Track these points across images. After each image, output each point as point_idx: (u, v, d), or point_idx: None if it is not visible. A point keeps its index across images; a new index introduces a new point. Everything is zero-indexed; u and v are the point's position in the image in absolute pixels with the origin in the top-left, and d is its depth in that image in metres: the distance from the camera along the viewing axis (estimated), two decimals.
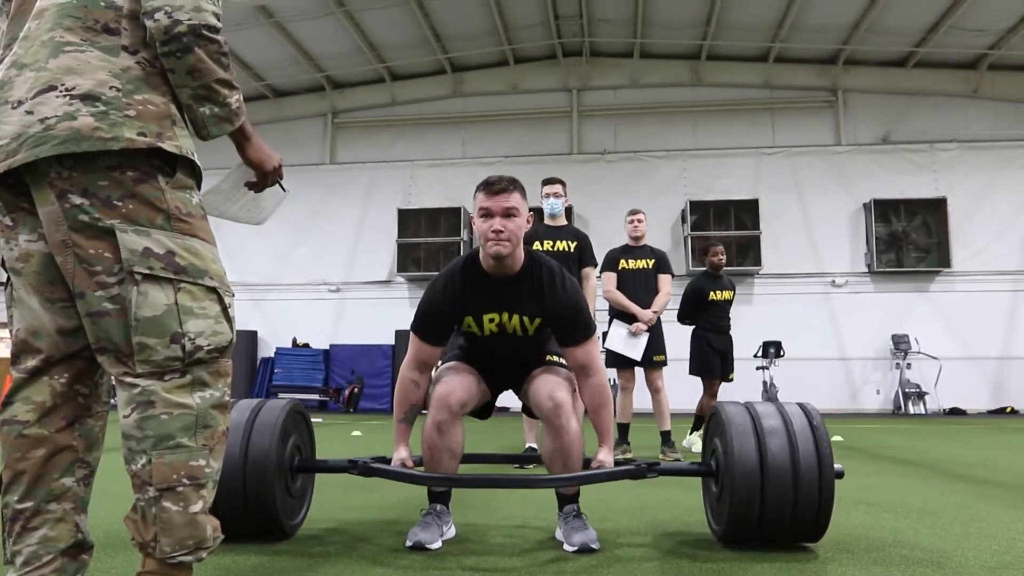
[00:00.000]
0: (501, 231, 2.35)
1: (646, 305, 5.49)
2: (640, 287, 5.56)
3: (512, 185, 2.40)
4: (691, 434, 6.12)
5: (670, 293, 5.66)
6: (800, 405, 2.43)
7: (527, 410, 2.74)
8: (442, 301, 2.50)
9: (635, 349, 5.45)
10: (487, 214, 2.38)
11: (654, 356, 5.51)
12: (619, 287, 5.58)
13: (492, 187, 2.39)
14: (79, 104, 1.44)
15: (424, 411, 2.56)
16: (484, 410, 2.76)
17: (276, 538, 2.48)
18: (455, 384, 2.50)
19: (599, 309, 5.89)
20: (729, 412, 2.41)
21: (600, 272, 5.69)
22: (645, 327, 5.44)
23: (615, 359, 5.55)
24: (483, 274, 2.47)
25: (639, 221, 5.71)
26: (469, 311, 2.50)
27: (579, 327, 2.48)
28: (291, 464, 2.54)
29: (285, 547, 2.41)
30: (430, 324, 2.53)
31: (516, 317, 2.48)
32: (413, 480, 2.42)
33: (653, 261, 5.63)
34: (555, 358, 2.63)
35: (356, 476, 2.50)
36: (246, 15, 13.22)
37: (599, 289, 5.38)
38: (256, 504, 2.35)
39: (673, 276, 5.78)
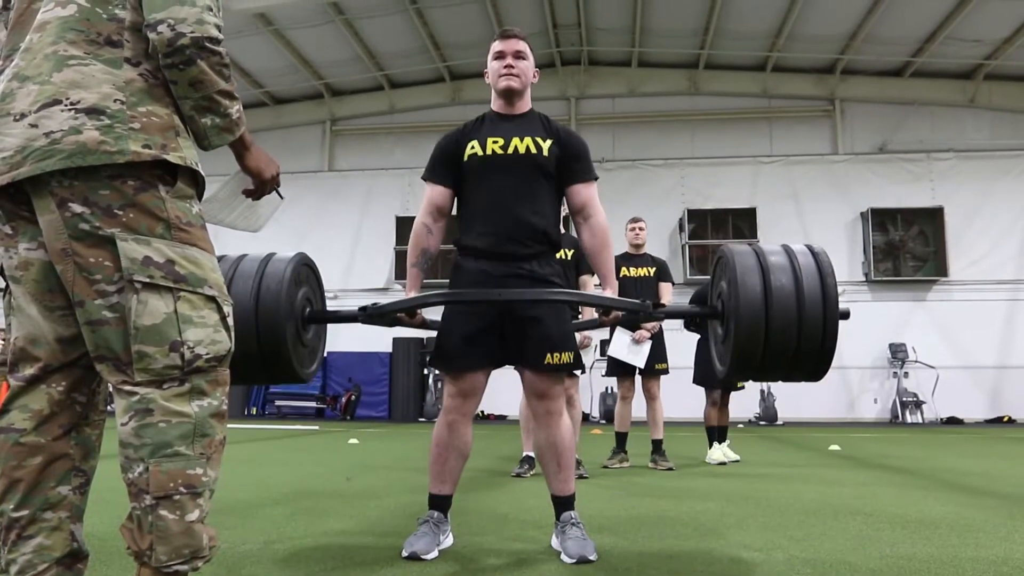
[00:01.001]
0: (512, 66, 2.57)
1: None
2: (641, 295, 5.56)
3: (523, 36, 2.64)
4: (710, 449, 6.01)
5: (672, 301, 5.66)
6: (807, 246, 2.40)
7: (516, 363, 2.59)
8: (449, 136, 2.66)
9: (638, 356, 5.45)
10: (500, 55, 2.60)
11: (656, 364, 5.51)
12: (620, 295, 5.57)
13: (505, 33, 2.63)
14: (84, 118, 1.45)
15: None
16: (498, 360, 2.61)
17: (291, 381, 2.48)
18: (467, 384, 2.50)
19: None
20: (735, 251, 2.39)
21: None
22: (648, 335, 5.44)
23: (617, 367, 5.54)
24: (493, 114, 2.65)
25: (640, 229, 5.73)
26: (474, 137, 2.59)
27: (586, 163, 2.60)
28: (302, 313, 2.54)
29: (280, 556, 2.41)
30: (437, 160, 2.64)
31: (528, 139, 2.55)
32: (420, 303, 2.43)
33: (654, 269, 5.64)
34: (555, 357, 2.47)
35: (350, 484, 2.49)
36: (246, 22, 13.25)
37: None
38: (269, 349, 2.34)
39: (674, 284, 5.78)
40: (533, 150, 2.53)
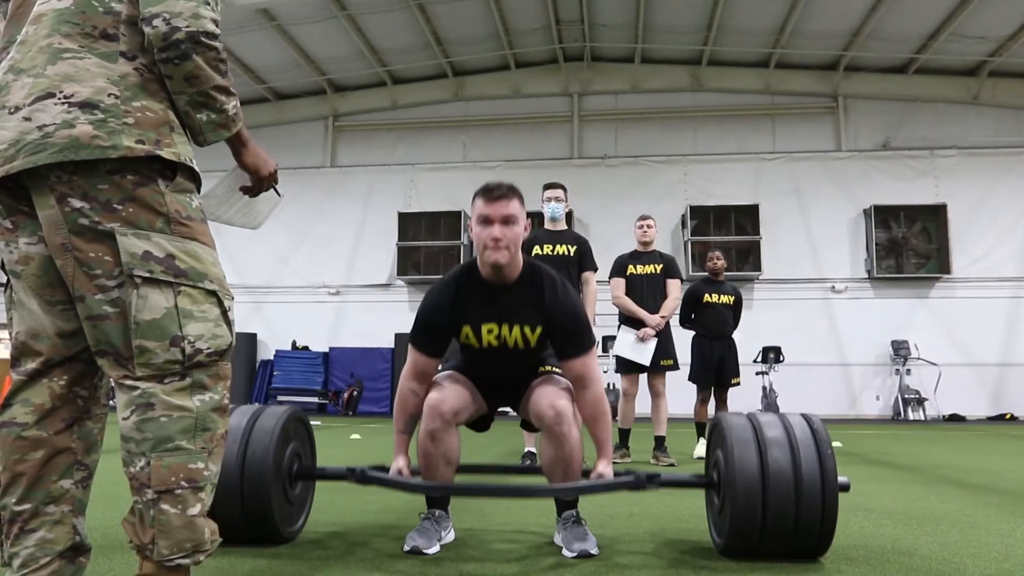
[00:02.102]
0: (500, 239, 2.33)
1: (654, 310, 5.50)
2: (648, 292, 5.57)
3: (511, 192, 2.38)
4: (698, 442, 6.09)
5: (679, 298, 5.67)
6: (803, 416, 2.38)
7: (526, 424, 2.73)
8: (439, 311, 2.47)
9: (643, 354, 5.46)
10: (486, 221, 2.35)
11: (662, 360, 5.53)
12: (627, 292, 5.59)
13: (491, 193, 2.36)
14: (77, 112, 1.44)
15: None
16: (481, 422, 2.72)
17: (275, 543, 2.47)
18: (447, 392, 2.46)
19: (604, 314, 5.92)
20: (730, 422, 2.37)
21: (609, 278, 5.71)
22: (653, 332, 5.44)
23: (624, 365, 5.55)
24: (481, 282, 2.45)
25: (648, 227, 5.74)
26: (467, 321, 2.46)
27: (578, 338, 2.45)
28: (290, 471, 2.52)
29: (283, 551, 2.41)
30: (427, 335, 2.49)
31: (516, 329, 2.45)
32: (410, 488, 2.42)
33: (662, 266, 5.65)
34: (551, 368, 2.60)
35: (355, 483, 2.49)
36: (248, 18, 13.24)
37: (600, 294, 5.38)
38: (254, 510, 2.33)
39: (683, 281, 5.79)
40: (521, 344, 2.47)
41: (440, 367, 2.63)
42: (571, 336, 2.45)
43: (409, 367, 2.51)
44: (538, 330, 2.45)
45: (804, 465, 2.20)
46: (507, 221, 2.34)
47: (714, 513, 2.51)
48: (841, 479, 2.24)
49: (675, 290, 5.62)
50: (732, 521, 2.25)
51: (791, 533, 2.21)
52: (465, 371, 2.62)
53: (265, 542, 2.44)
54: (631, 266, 5.63)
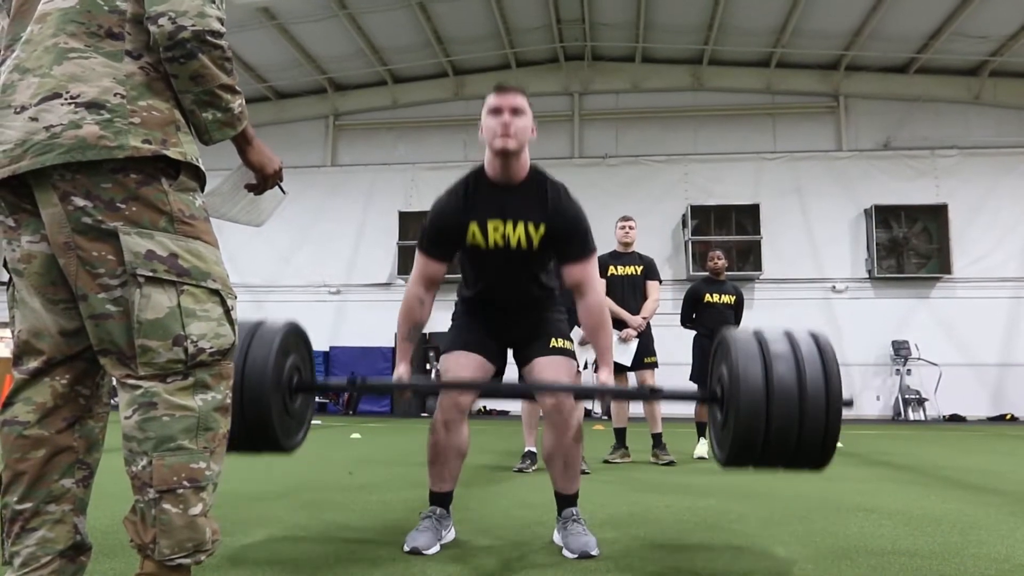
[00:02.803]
0: (509, 125, 2.39)
1: (634, 311, 5.51)
2: (628, 293, 5.58)
3: (521, 89, 2.48)
4: (698, 442, 6.09)
5: (659, 299, 5.68)
6: (810, 332, 2.34)
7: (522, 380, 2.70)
8: (447, 210, 2.51)
9: (625, 355, 5.47)
10: (496, 111, 2.42)
11: (645, 358, 5.55)
12: (608, 293, 5.59)
13: (502, 87, 2.47)
14: (84, 112, 1.44)
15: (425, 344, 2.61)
16: (494, 376, 2.72)
17: (275, 451, 2.47)
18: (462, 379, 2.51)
19: None
20: (735, 336, 2.35)
21: None
22: (635, 333, 5.46)
23: None
24: (488, 183, 2.50)
25: (630, 228, 5.75)
26: (474, 216, 2.48)
27: (581, 241, 2.49)
28: (289, 384, 2.50)
29: (282, 549, 2.41)
30: (435, 237, 2.53)
31: (520, 226, 2.46)
32: (412, 388, 2.45)
33: (641, 267, 5.66)
34: (560, 342, 2.60)
35: (352, 478, 2.49)
36: (249, 17, 13.25)
37: None
38: (254, 421, 2.30)
39: (661, 282, 5.80)
40: (524, 244, 2.47)
41: (444, 348, 2.64)
42: (573, 239, 2.49)
43: (416, 273, 2.55)
44: (541, 228, 2.46)
45: (809, 379, 2.17)
46: (516, 111, 2.41)
47: (717, 429, 2.50)
48: (845, 395, 2.21)
49: (654, 291, 5.64)
50: (735, 433, 2.23)
51: (794, 446, 2.18)
52: (469, 321, 2.62)
53: (265, 451, 2.43)
54: (612, 267, 5.64)
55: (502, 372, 2.74)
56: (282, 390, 2.43)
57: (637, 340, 5.48)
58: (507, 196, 2.47)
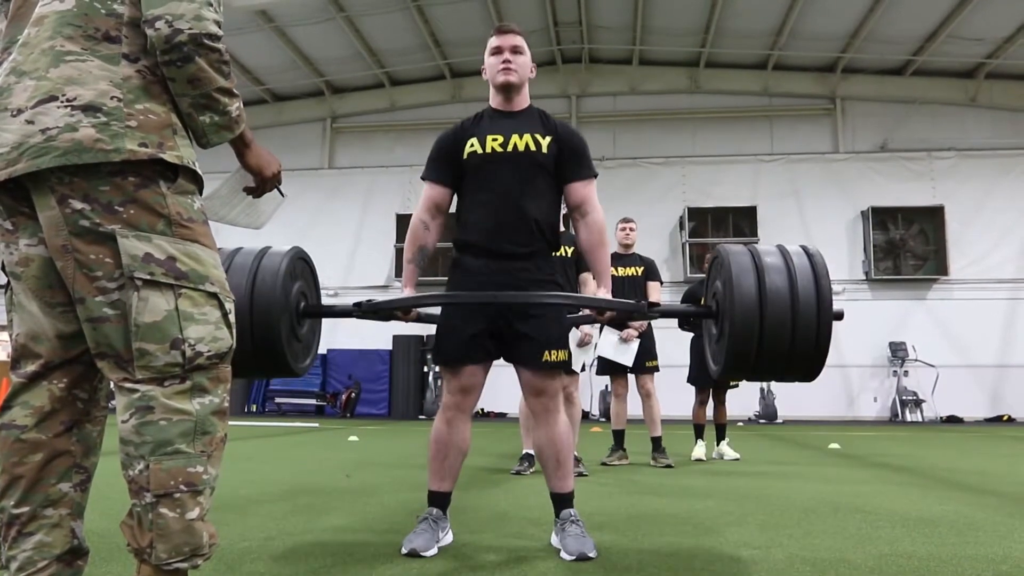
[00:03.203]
0: (510, 61, 2.57)
1: None
2: (629, 294, 5.58)
3: (520, 30, 2.65)
4: (696, 444, 6.09)
5: (659, 300, 5.68)
6: (803, 247, 2.41)
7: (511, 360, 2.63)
8: (448, 135, 2.64)
9: (626, 355, 5.47)
10: (497, 51, 2.59)
11: (646, 362, 5.55)
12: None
13: (502, 28, 2.64)
14: (80, 115, 1.44)
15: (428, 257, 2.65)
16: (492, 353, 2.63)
17: (284, 374, 2.46)
18: (466, 380, 2.51)
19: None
20: (730, 250, 2.39)
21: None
22: (636, 333, 5.46)
23: (607, 366, 5.57)
24: (491, 111, 2.64)
25: (631, 229, 5.76)
26: (474, 134, 2.58)
27: (585, 160, 2.60)
28: (296, 308, 2.52)
29: (281, 552, 2.41)
30: (436, 158, 2.63)
31: (527, 136, 2.55)
32: (416, 303, 2.48)
33: (642, 268, 5.66)
34: (554, 355, 2.49)
35: (349, 481, 2.49)
36: (247, 19, 13.25)
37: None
38: (263, 343, 2.33)
39: (662, 283, 5.81)
40: (532, 147, 2.53)
41: (435, 358, 2.64)
42: (579, 156, 2.59)
43: (422, 200, 2.64)
44: (548, 139, 2.56)
45: (801, 291, 2.21)
46: (516, 50, 2.59)
47: (712, 343, 2.54)
48: (836, 307, 2.25)
49: (655, 292, 5.64)
50: (730, 344, 2.27)
51: (786, 356, 2.23)
52: (460, 319, 2.51)
53: (274, 373, 2.45)
54: (612, 268, 5.64)
55: (494, 356, 2.61)
56: (290, 313, 2.44)
57: (638, 341, 5.48)
58: (510, 119, 2.61)
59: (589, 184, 2.60)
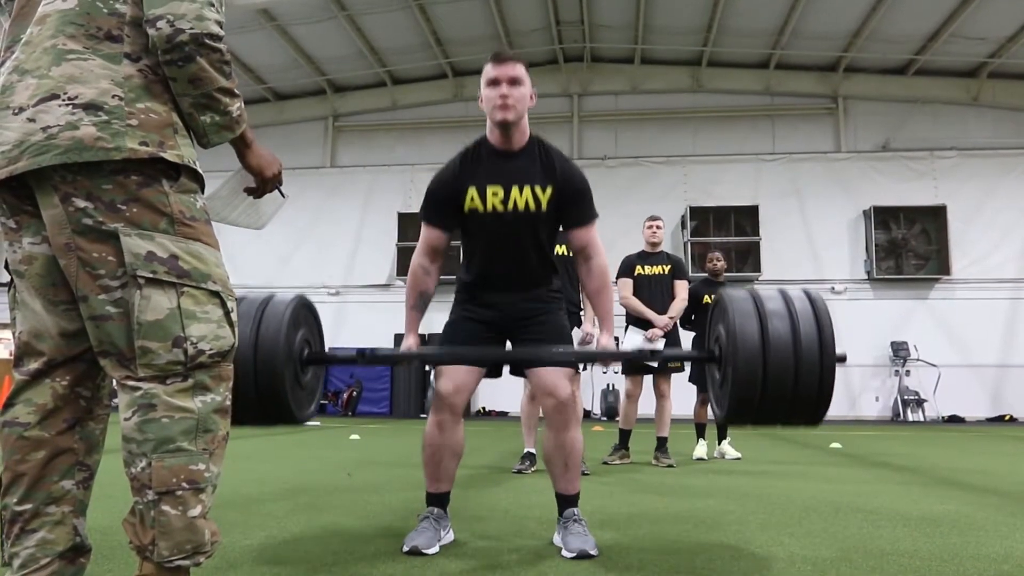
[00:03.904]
0: (507, 96, 2.42)
1: (662, 311, 5.50)
2: (656, 293, 5.57)
3: (518, 58, 2.48)
4: (697, 443, 6.10)
5: (686, 299, 5.67)
6: (804, 290, 2.39)
7: (516, 371, 2.73)
8: (446, 177, 2.53)
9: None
10: (494, 82, 2.44)
11: (669, 363, 5.52)
12: (635, 293, 5.59)
13: (499, 57, 2.47)
14: (82, 113, 1.45)
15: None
16: (492, 373, 2.68)
17: (287, 424, 2.47)
18: (456, 383, 2.49)
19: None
20: (732, 296, 2.38)
21: (616, 278, 5.71)
22: (661, 333, 5.45)
23: (632, 366, 5.56)
24: (489, 150, 2.52)
25: (658, 227, 5.75)
26: (473, 181, 2.49)
27: (585, 205, 2.52)
28: (300, 356, 2.52)
29: (283, 550, 2.41)
30: (435, 203, 2.55)
31: (527, 189, 2.47)
32: (421, 359, 2.44)
33: (669, 267, 5.64)
34: (560, 350, 2.61)
35: (351, 479, 2.49)
36: (248, 18, 13.25)
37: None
38: (267, 392, 2.32)
39: (690, 282, 5.79)
40: (532, 206, 2.47)
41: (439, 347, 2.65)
42: (580, 201, 2.52)
43: (420, 243, 2.58)
44: (548, 190, 2.48)
45: (803, 336, 2.21)
46: (514, 82, 2.43)
47: (715, 388, 2.54)
48: (839, 351, 2.25)
49: (682, 291, 5.62)
50: (733, 390, 2.26)
51: (789, 401, 2.22)
52: (466, 332, 2.57)
53: (278, 424, 2.44)
54: (639, 267, 5.64)
55: (498, 374, 2.72)
56: (294, 362, 2.44)
57: (664, 340, 5.48)
58: (509, 162, 2.50)
59: (591, 228, 2.53)
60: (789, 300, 2.30)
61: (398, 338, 14.49)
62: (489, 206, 2.48)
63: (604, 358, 2.48)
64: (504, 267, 2.57)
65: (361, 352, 2.47)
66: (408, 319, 2.58)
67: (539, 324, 2.57)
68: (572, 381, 2.51)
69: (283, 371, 2.33)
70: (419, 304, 2.58)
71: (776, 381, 2.19)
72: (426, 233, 2.57)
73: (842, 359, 2.25)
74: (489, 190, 2.47)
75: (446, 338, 2.63)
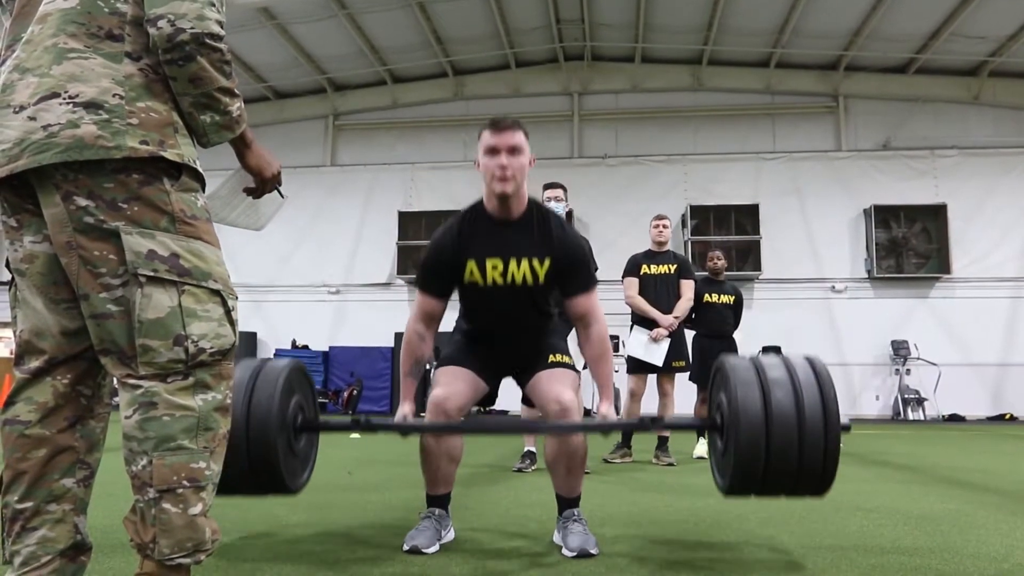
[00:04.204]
0: (506, 167, 2.38)
1: (668, 311, 5.51)
2: (662, 292, 5.57)
3: (516, 124, 2.44)
4: (697, 442, 6.10)
5: (692, 299, 5.67)
6: (807, 357, 2.36)
7: (526, 399, 2.73)
8: (444, 247, 2.50)
9: (656, 355, 5.47)
10: (492, 151, 2.40)
11: (674, 362, 5.54)
12: (641, 292, 5.60)
13: (497, 125, 2.42)
14: (82, 112, 1.45)
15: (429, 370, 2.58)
16: (486, 400, 2.72)
17: (280, 493, 2.45)
18: (451, 389, 2.48)
19: (608, 313, 5.91)
20: (733, 364, 2.36)
21: (622, 277, 5.73)
22: (666, 332, 5.45)
23: (636, 365, 5.57)
24: (487, 217, 2.49)
25: (664, 226, 5.74)
26: (471, 254, 2.47)
27: (585, 273, 2.51)
28: (294, 423, 2.50)
29: (283, 548, 2.42)
30: (432, 273, 2.53)
31: (525, 262, 2.46)
32: (416, 430, 2.41)
33: (675, 266, 5.65)
34: (559, 357, 2.61)
35: (352, 478, 2.49)
36: (248, 17, 13.24)
37: (605, 294, 5.39)
38: (259, 461, 2.30)
39: (696, 281, 5.80)
40: (530, 280, 2.47)
41: (437, 360, 2.66)
42: (578, 272, 2.50)
43: (416, 310, 2.55)
44: (546, 263, 2.47)
45: (807, 406, 2.18)
46: (513, 151, 2.40)
47: (717, 456, 2.51)
48: (843, 420, 2.23)
49: (688, 290, 5.63)
50: (736, 462, 2.24)
51: (794, 473, 2.20)
52: (466, 346, 2.61)
53: (270, 493, 2.41)
54: (645, 266, 5.64)
55: (495, 396, 2.74)
56: (287, 430, 2.41)
57: (668, 340, 5.48)
58: (507, 232, 2.47)
59: (590, 296, 2.51)
60: (792, 369, 2.28)
61: (398, 337, 14.56)
62: (489, 280, 2.47)
63: (603, 428, 2.43)
64: (504, 328, 2.60)
65: (357, 420, 2.44)
66: (404, 386, 2.54)
67: (536, 353, 2.61)
68: (575, 389, 2.49)
69: (276, 441, 2.30)
70: (414, 371, 2.55)
71: (780, 455, 2.17)
72: (422, 301, 2.53)
73: (846, 429, 2.23)
74: (488, 263, 2.47)
75: (447, 355, 2.65)
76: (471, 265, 2.47)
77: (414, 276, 14.86)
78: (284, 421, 2.39)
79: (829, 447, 2.17)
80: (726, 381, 2.34)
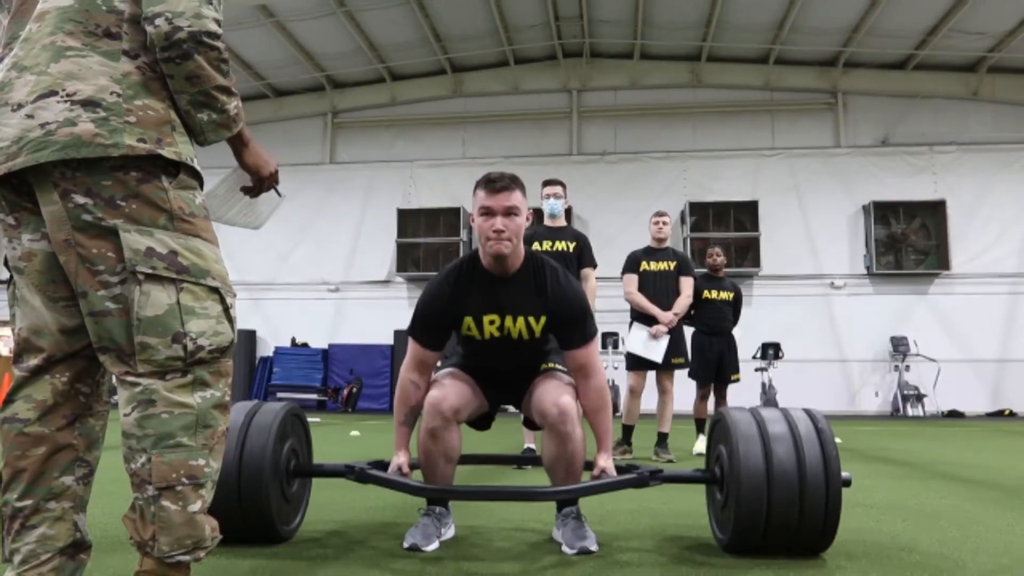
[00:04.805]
0: (503, 230, 2.34)
1: (667, 307, 5.51)
2: (661, 289, 5.57)
3: (513, 183, 2.39)
4: (698, 439, 6.11)
5: (691, 295, 5.68)
6: (806, 411, 2.37)
7: (528, 422, 2.74)
8: (439, 303, 2.47)
9: (656, 351, 5.48)
10: (488, 212, 2.36)
11: (673, 359, 5.54)
12: (640, 289, 5.60)
13: (494, 185, 2.37)
14: (80, 110, 1.45)
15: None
16: (483, 420, 2.73)
17: (272, 541, 2.46)
18: (448, 390, 2.47)
19: (608, 311, 5.92)
20: (734, 418, 2.36)
21: (622, 274, 5.73)
22: (665, 329, 5.45)
23: (635, 361, 5.57)
24: (483, 273, 2.46)
25: (664, 223, 5.75)
26: (468, 311, 2.46)
27: (582, 327, 2.46)
28: (287, 468, 2.49)
29: (281, 549, 2.42)
30: (427, 327, 2.50)
31: (520, 319, 2.45)
32: (408, 490, 2.37)
33: (675, 263, 5.65)
34: (553, 365, 2.62)
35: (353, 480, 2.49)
36: (247, 14, 13.23)
37: (602, 290, 5.39)
38: (251, 507, 2.30)
39: (696, 278, 5.80)
40: (526, 335, 2.47)
41: (440, 364, 2.65)
42: (575, 326, 2.46)
43: (409, 359, 2.51)
44: (542, 320, 2.45)
45: (808, 461, 2.19)
46: (509, 212, 2.35)
47: (716, 509, 2.50)
48: (844, 474, 2.23)
49: (688, 287, 5.63)
50: (736, 517, 2.24)
51: (795, 529, 2.21)
52: (466, 367, 2.62)
53: (262, 541, 2.42)
54: (644, 262, 5.64)
55: (492, 418, 2.76)
56: (280, 476, 2.40)
57: (668, 337, 5.48)
58: (503, 288, 2.45)
59: (588, 348, 2.47)
60: (792, 423, 2.28)
61: (397, 334, 14.57)
62: (487, 334, 2.48)
63: (603, 489, 2.41)
64: (503, 369, 2.62)
65: (350, 468, 2.43)
66: (398, 435, 2.52)
67: (534, 374, 2.62)
68: (571, 393, 2.47)
69: (268, 488, 2.30)
70: (409, 420, 2.53)
71: (781, 510, 2.17)
72: (416, 351, 2.50)
73: (847, 483, 2.22)
74: (485, 319, 2.46)
75: (452, 361, 2.66)
76: (468, 321, 2.47)
77: (413, 273, 14.90)
78: (277, 468, 2.39)
79: (831, 504, 2.18)
80: (727, 434, 2.34)
